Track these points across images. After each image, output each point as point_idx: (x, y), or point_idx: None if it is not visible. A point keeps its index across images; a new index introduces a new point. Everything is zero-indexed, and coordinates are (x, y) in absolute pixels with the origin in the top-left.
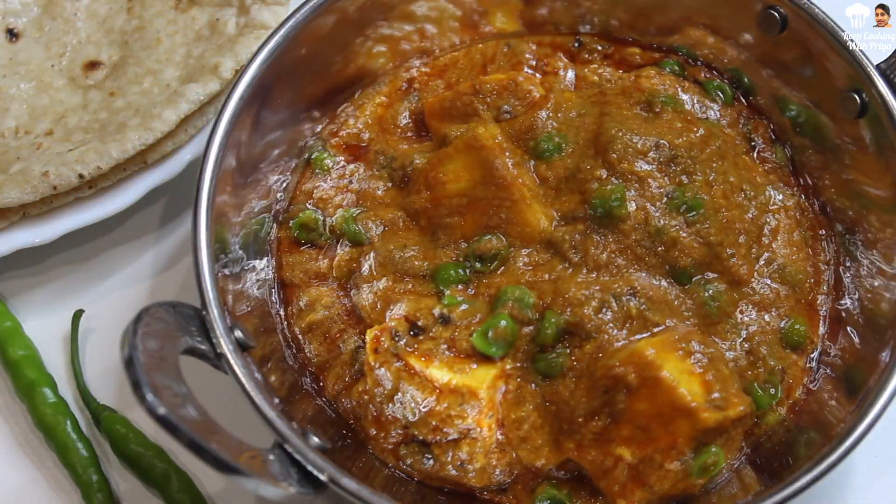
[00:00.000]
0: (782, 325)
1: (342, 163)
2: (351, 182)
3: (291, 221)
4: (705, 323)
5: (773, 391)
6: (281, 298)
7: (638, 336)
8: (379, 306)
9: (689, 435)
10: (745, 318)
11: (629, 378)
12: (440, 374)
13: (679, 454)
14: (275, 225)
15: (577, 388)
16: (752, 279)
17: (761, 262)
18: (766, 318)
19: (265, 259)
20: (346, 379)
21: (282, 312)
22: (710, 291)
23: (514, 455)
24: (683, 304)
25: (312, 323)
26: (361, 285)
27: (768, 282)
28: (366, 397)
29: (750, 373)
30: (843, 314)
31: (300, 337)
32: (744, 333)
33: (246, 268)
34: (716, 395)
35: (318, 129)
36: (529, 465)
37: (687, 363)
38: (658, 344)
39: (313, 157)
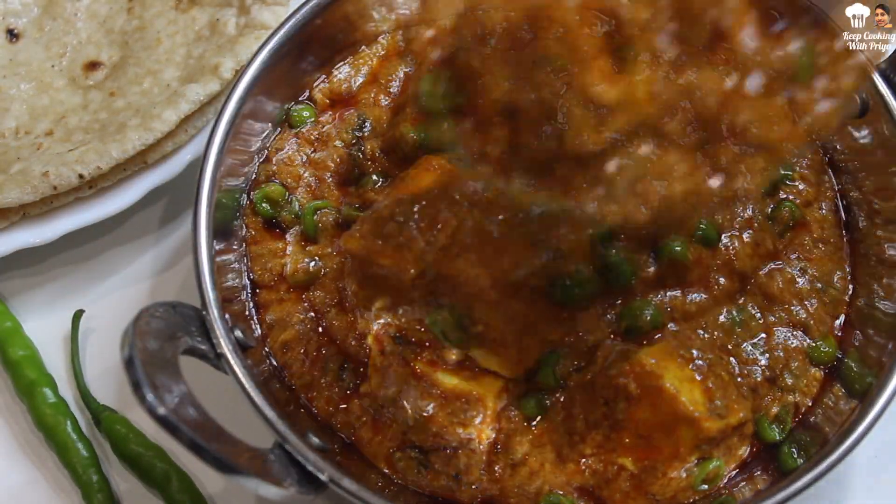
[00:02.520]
0: (811, 345)
1: (318, 114)
2: (317, 139)
3: (254, 193)
4: (727, 337)
5: (779, 428)
6: (255, 302)
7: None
8: (354, 336)
9: (692, 444)
10: (775, 339)
11: (630, 388)
12: (447, 379)
13: (682, 462)
14: (245, 196)
15: (574, 405)
16: (787, 296)
17: (799, 279)
18: (795, 337)
19: (240, 248)
20: (336, 399)
21: (257, 318)
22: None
23: (507, 481)
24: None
25: (287, 342)
26: (329, 310)
27: (803, 298)
28: (366, 400)
29: (765, 402)
30: (853, 317)
31: (278, 357)
32: (764, 360)
33: (233, 262)
34: (717, 402)
35: (310, 87)
36: (524, 489)
37: (687, 371)
38: (658, 353)
39: (293, 109)
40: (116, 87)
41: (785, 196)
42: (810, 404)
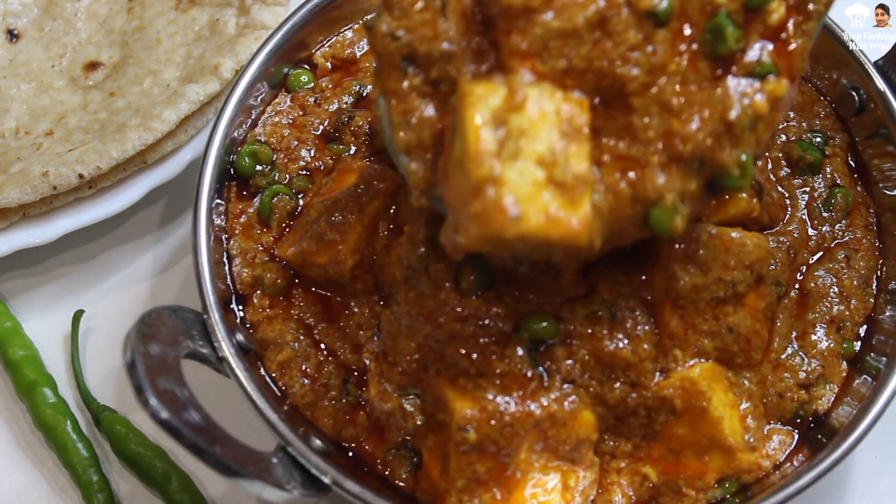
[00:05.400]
0: (844, 346)
1: (317, 78)
2: (313, 103)
3: (241, 148)
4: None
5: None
6: (244, 320)
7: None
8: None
9: (720, 470)
10: (814, 344)
11: (675, 402)
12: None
13: (703, 485)
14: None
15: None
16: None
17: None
18: (830, 337)
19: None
20: (342, 415)
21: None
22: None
23: None
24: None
25: (283, 363)
26: (320, 324)
27: (846, 294)
28: (371, 407)
29: (788, 404)
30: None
31: (278, 379)
32: (802, 371)
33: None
34: (749, 436)
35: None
36: None
37: (730, 395)
38: (709, 373)
39: (291, 73)
40: (116, 88)
41: (836, 182)
42: (830, 406)
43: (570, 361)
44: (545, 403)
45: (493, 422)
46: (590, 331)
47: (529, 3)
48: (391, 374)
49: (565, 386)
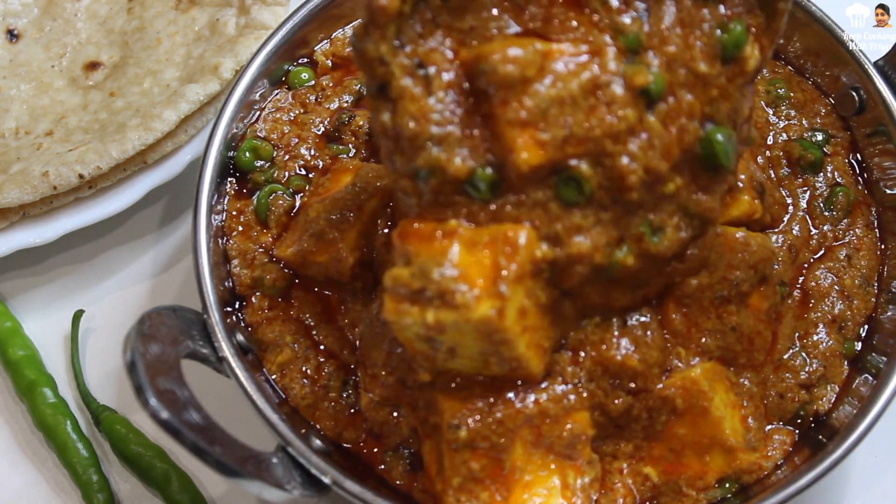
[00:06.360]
0: (846, 346)
1: (318, 76)
2: (314, 101)
3: (241, 143)
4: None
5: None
6: (244, 321)
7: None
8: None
9: (721, 470)
10: (816, 344)
11: (677, 402)
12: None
13: (704, 485)
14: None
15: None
16: (829, 290)
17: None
18: (831, 336)
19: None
20: (343, 417)
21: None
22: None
23: None
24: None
25: (283, 364)
26: (319, 325)
27: (846, 293)
28: (365, 419)
29: (788, 404)
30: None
31: (278, 381)
32: (804, 372)
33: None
34: (750, 436)
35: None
36: None
37: (731, 396)
38: (710, 373)
39: (292, 70)
40: (116, 88)
41: (837, 181)
42: (830, 406)
43: (574, 367)
44: (536, 400)
45: (483, 418)
46: (601, 340)
47: (526, 72)
48: (373, 386)
49: (562, 388)
